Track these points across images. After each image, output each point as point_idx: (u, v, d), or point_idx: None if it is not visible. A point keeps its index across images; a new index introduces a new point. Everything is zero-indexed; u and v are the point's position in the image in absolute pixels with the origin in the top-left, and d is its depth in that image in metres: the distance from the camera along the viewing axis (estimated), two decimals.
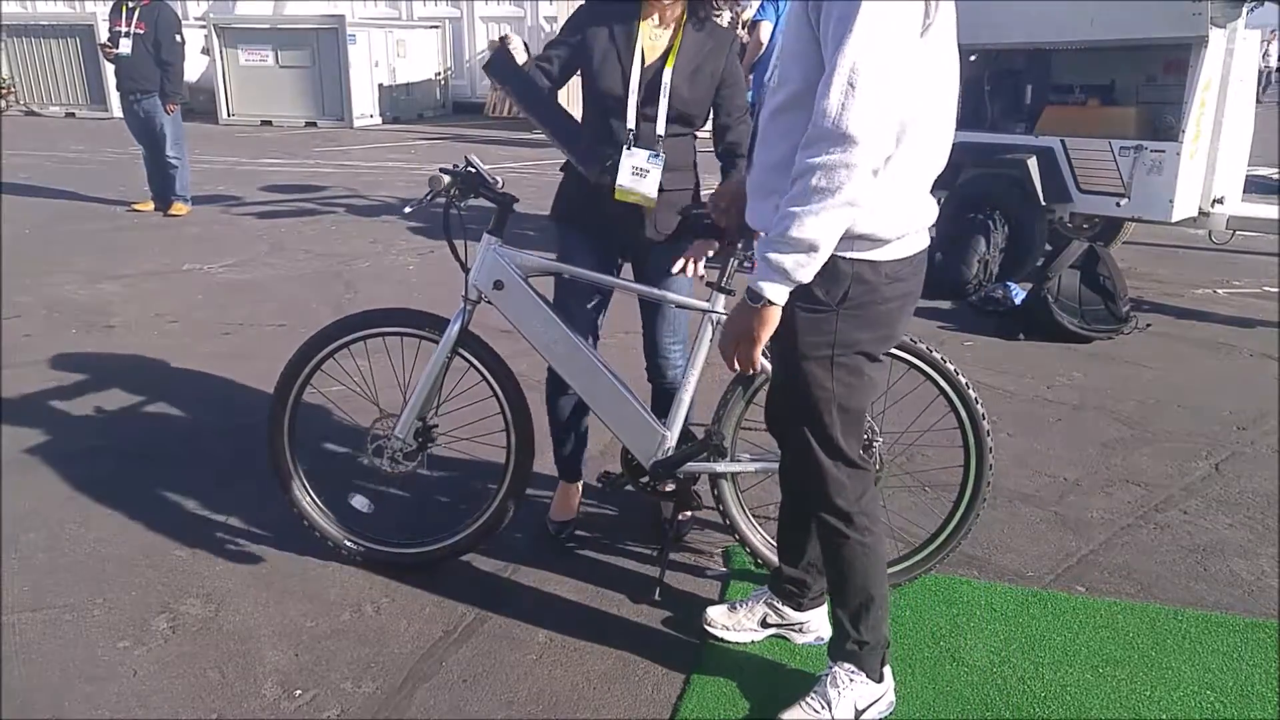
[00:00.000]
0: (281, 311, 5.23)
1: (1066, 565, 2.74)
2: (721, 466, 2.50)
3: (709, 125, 2.68)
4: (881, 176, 1.65)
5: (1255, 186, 6.22)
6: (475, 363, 2.49)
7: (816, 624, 2.34)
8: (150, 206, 8.18)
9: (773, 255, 1.67)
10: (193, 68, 13.22)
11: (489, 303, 2.44)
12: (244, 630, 2.41)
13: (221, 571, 2.66)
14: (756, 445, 2.57)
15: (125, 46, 7.56)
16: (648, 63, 2.49)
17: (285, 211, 8.40)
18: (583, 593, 2.58)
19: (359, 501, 2.62)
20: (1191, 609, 2.52)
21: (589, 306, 2.66)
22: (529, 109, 2.49)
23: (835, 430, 1.89)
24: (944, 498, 2.52)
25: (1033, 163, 5.53)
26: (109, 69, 16.67)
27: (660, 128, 2.50)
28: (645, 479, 2.52)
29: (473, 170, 2.38)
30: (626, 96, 2.48)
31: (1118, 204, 5.41)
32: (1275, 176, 8.97)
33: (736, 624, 2.36)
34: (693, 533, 2.86)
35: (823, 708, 2.03)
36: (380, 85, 16.81)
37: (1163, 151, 5.20)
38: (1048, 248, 5.65)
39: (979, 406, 2.36)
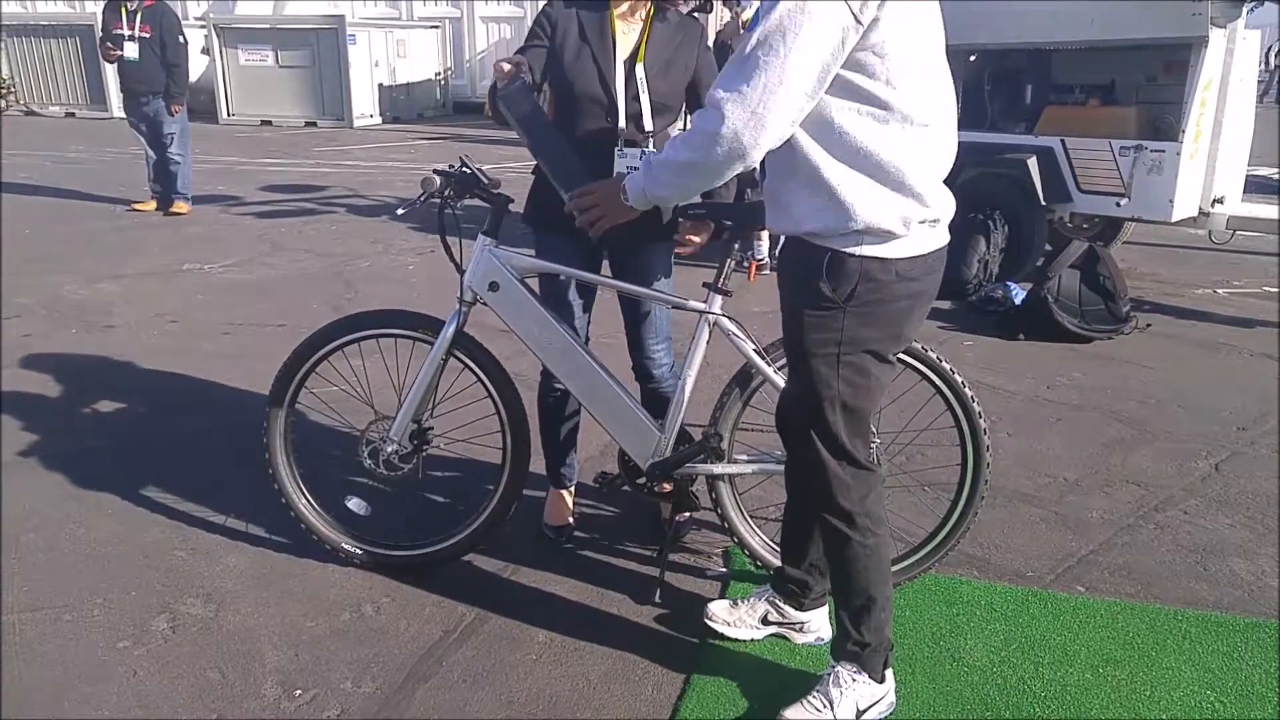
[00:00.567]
0: (281, 311, 5.23)
1: (1066, 565, 2.74)
2: (719, 468, 2.50)
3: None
4: (884, 165, 1.69)
5: (1255, 186, 6.22)
6: (471, 364, 2.49)
7: (817, 624, 2.34)
8: (151, 206, 8.18)
9: (642, 178, 1.91)
10: (193, 68, 13.20)
11: (484, 304, 2.43)
12: (244, 630, 2.41)
13: (221, 571, 2.66)
14: (754, 447, 2.57)
15: (131, 50, 7.57)
16: (621, 59, 2.47)
17: (285, 211, 8.40)
18: (582, 593, 2.58)
19: (355, 504, 2.63)
20: (1191, 609, 2.52)
21: (578, 307, 2.65)
22: (537, 148, 2.31)
23: (840, 429, 1.89)
24: (943, 497, 2.52)
25: (1033, 163, 5.53)
26: (109, 69, 16.84)
27: (647, 123, 2.48)
28: (642, 480, 2.52)
29: (467, 170, 2.37)
30: (612, 98, 2.44)
31: (1118, 204, 5.41)
32: (1275, 176, 8.97)
33: (738, 620, 2.35)
34: (692, 533, 2.86)
35: (824, 707, 2.02)
36: (380, 85, 16.83)
37: (1163, 151, 5.20)
38: (1048, 248, 5.65)
39: (975, 405, 2.36)
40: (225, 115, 16.61)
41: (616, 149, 2.44)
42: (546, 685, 2.21)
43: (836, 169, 1.72)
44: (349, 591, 2.57)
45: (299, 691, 2.19)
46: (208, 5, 18.68)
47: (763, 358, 2.35)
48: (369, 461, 2.54)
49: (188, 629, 2.41)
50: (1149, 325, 5.05)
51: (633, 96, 2.46)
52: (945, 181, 1.83)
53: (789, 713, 2.04)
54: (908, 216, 1.75)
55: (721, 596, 2.56)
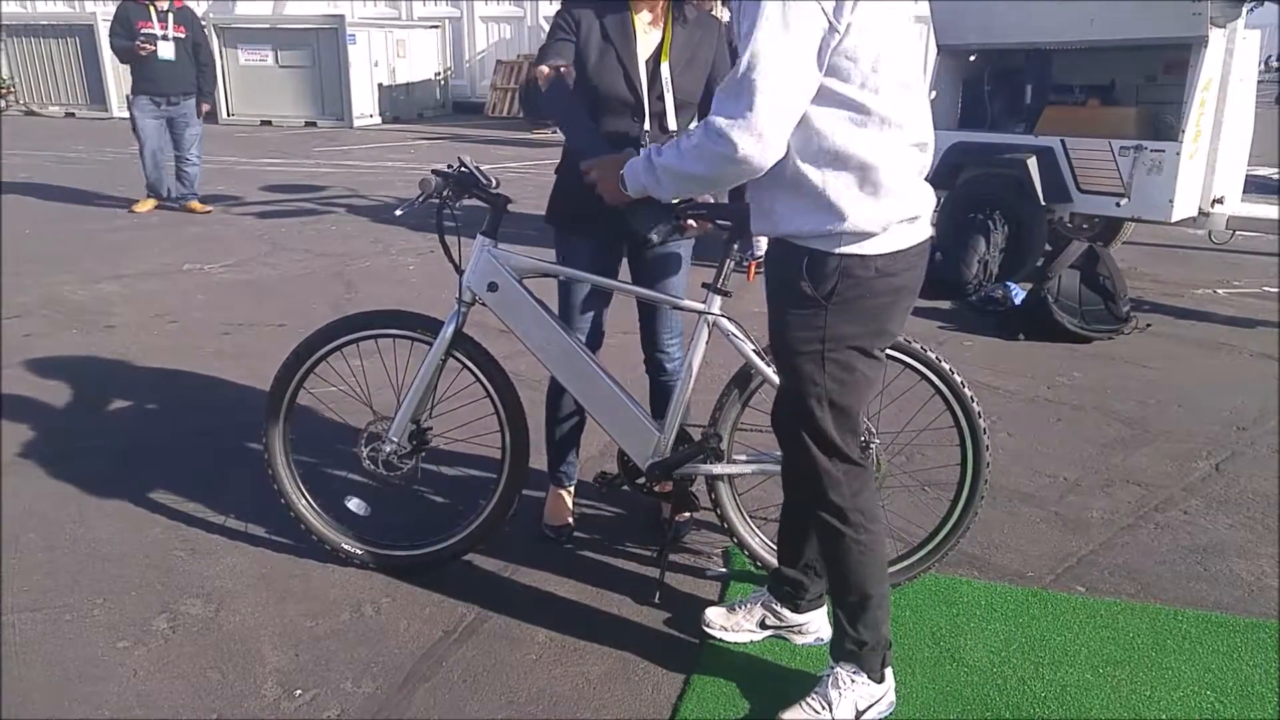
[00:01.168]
0: (281, 311, 5.23)
1: (1066, 565, 2.74)
2: (718, 468, 2.50)
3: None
4: (859, 167, 1.74)
5: (1255, 186, 6.22)
6: (469, 364, 2.49)
7: (816, 625, 2.34)
8: (151, 205, 8.16)
9: (644, 176, 1.96)
10: None
11: (483, 304, 2.43)
12: (244, 630, 2.41)
13: (221, 571, 2.66)
14: (753, 447, 2.57)
15: (167, 50, 7.55)
16: (643, 59, 2.49)
17: (285, 211, 8.40)
18: (582, 593, 2.58)
19: (355, 504, 2.63)
20: (1191, 609, 2.52)
21: (594, 307, 2.66)
22: (578, 145, 2.32)
23: (829, 426, 1.90)
24: (942, 497, 2.52)
25: (1033, 163, 5.52)
26: (109, 69, 16.90)
27: (671, 123, 2.49)
28: (641, 480, 2.52)
29: (465, 170, 2.36)
30: (638, 98, 2.45)
31: (1118, 204, 5.41)
32: (1275, 176, 8.97)
33: (735, 625, 2.36)
34: (692, 533, 2.86)
35: (823, 708, 2.02)
36: (380, 85, 16.82)
37: (1162, 151, 5.20)
38: (1048, 248, 5.65)
39: (975, 405, 2.36)
40: (225, 115, 16.59)
41: (641, 149, 2.45)
42: (546, 685, 2.22)
43: (816, 172, 1.76)
44: (349, 591, 2.57)
45: (299, 691, 2.19)
46: (208, 5, 18.67)
47: (762, 358, 2.35)
48: (368, 461, 2.54)
49: (188, 629, 2.41)
50: (1149, 325, 5.04)
51: (656, 96, 2.47)
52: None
53: (788, 714, 2.04)
54: (888, 215, 1.78)
55: (721, 597, 2.56)
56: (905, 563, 2.51)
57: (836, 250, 1.78)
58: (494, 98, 17.07)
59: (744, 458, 2.55)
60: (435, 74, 18.20)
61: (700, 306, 2.39)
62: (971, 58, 6.21)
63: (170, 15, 7.59)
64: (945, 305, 5.44)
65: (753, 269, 6.08)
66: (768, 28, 1.65)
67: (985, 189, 5.70)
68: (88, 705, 2.14)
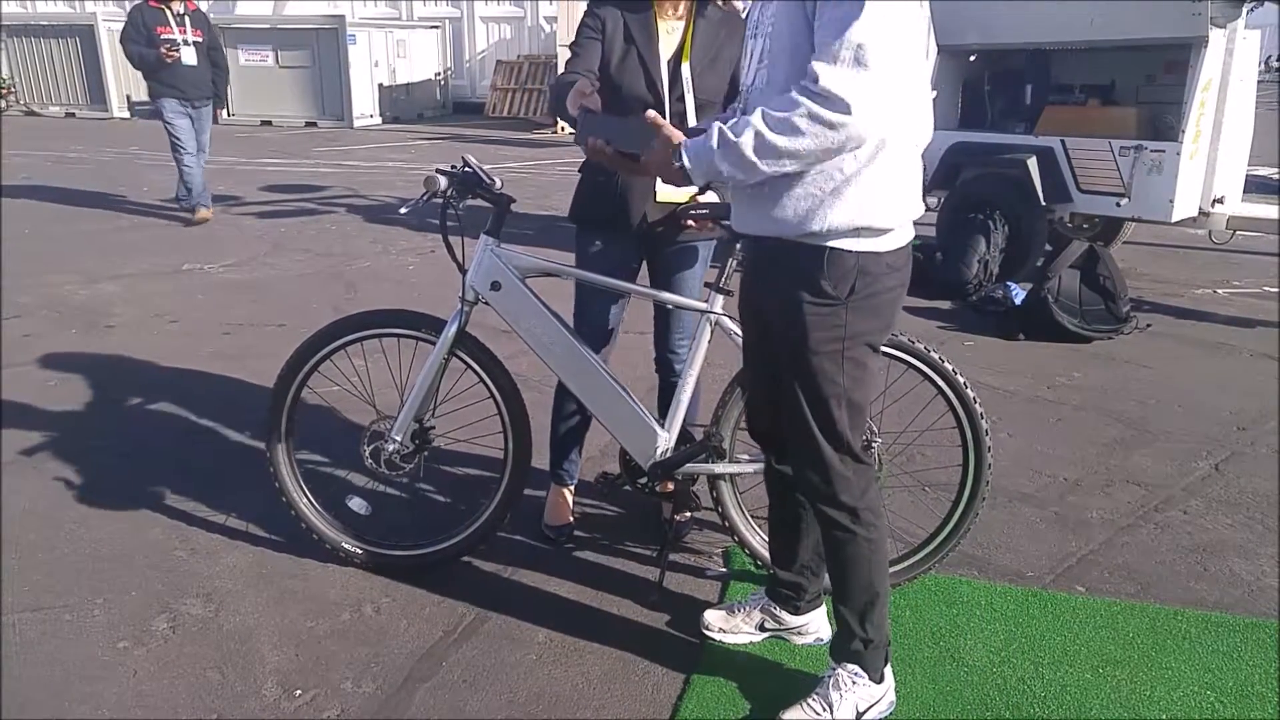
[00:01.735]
0: (281, 311, 5.23)
1: (1066, 565, 2.74)
2: (720, 468, 2.50)
3: None
4: (882, 164, 1.72)
5: (1255, 186, 6.21)
6: (472, 364, 2.49)
7: (815, 625, 2.34)
8: (209, 213, 7.83)
9: (716, 159, 1.70)
10: None
11: (486, 304, 2.43)
12: (244, 630, 2.41)
13: (221, 571, 2.66)
14: (755, 447, 2.57)
15: (190, 55, 7.47)
16: (665, 59, 2.48)
17: (285, 211, 8.40)
18: (582, 593, 2.58)
19: (356, 503, 2.63)
20: (1191, 609, 2.52)
21: (609, 306, 2.66)
22: (631, 146, 2.29)
23: (843, 425, 1.90)
24: (943, 497, 2.52)
25: (1033, 163, 5.53)
26: (109, 69, 16.92)
27: (691, 123, 2.49)
28: (643, 480, 2.52)
29: (469, 170, 2.37)
30: (659, 98, 2.44)
31: (1118, 204, 5.41)
32: (1275, 176, 8.96)
33: (734, 628, 2.36)
34: (693, 533, 2.85)
35: (824, 709, 2.03)
36: (380, 85, 16.83)
37: (1163, 151, 5.20)
38: (1048, 248, 5.65)
39: (977, 405, 2.36)
40: (225, 115, 16.47)
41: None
42: (546, 685, 2.21)
43: (850, 168, 1.74)
44: (349, 591, 2.57)
45: (299, 691, 2.19)
46: (208, 5, 18.67)
47: None
48: (371, 461, 2.54)
49: (188, 629, 2.41)
50: (1149, 325, 5.04)
51: (677, 97, 2.47)
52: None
53: (788, 714, 2.04)
54: (908, 212, 1.81)
55: (722, 597, 2.56)
56: (906, 563, 2.51)
57: (854, 247, 1.78)
58: (494, 98, 17.08)
59: (746, 457, 2.55)
60: (435, 74, 18.21)
61: (702, 306, 2.39)
62: (971, 58, 6.21)
63: (187, 19, 7.54)
64: (945, 305, 5.43)
65: None
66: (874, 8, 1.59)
67: (985, 189, 5.70)
68: (88, 705, 2.14)
